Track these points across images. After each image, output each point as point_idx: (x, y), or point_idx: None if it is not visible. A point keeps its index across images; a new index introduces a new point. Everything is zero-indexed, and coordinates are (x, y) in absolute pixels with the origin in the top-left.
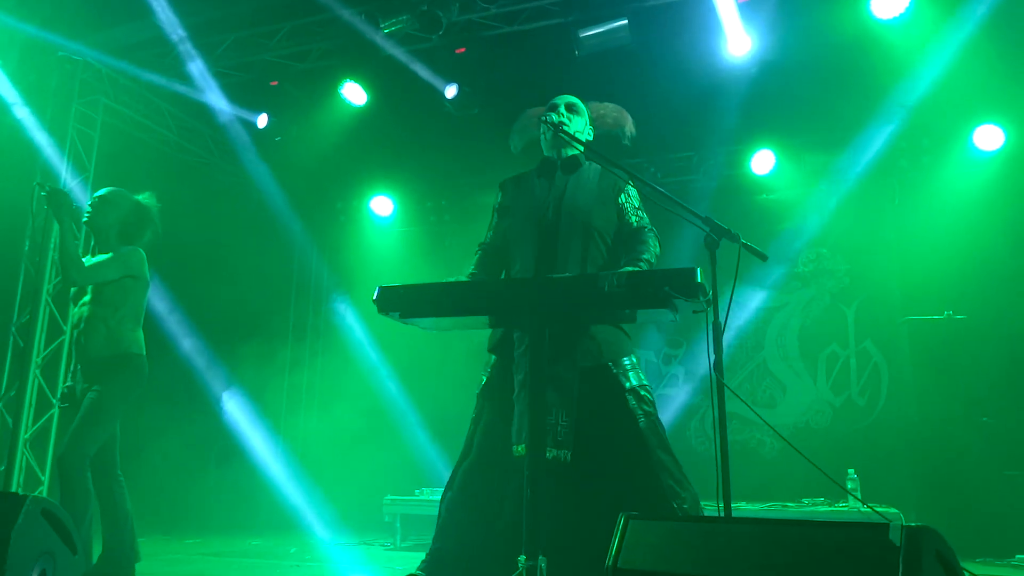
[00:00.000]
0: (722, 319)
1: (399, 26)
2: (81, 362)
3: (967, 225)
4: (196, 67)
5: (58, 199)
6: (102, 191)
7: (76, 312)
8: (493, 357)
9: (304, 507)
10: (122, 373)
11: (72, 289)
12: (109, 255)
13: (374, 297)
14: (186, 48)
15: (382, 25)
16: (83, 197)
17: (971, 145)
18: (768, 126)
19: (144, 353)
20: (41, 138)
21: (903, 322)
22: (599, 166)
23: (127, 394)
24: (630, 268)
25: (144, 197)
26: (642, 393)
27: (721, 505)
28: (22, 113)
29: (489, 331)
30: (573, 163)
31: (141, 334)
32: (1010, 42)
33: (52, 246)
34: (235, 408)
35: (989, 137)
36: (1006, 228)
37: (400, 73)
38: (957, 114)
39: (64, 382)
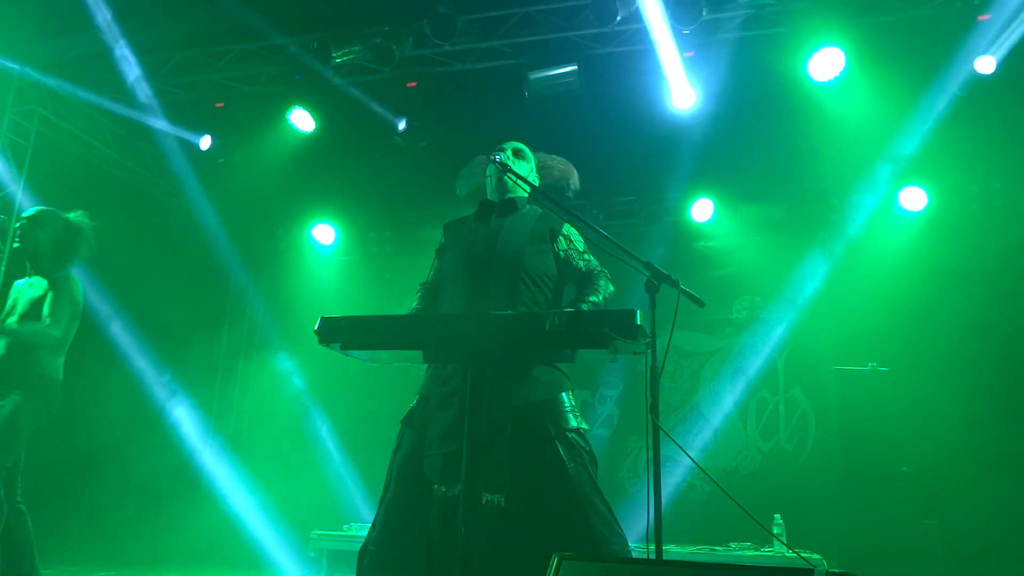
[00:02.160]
0: (660, 362)
1: (352, 56)
2: None
3: (893, 280)
4: (139, 86)
5: None
6: (31, 211)
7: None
8: (418, 396)
9: (227, 540)
10: (32, 392)
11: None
12: (50, 296)
13: (315, 327)
14: (129, 65)
15: (335, 54)
16: (12, 210)
17: (897, 205)
18: (708, 176)
19: (60, 379)
20: None
21: (830, 371)
22: (539, 210)
23: (34, 415)
24: (574, 308)
25: (76, 216)
26: (574, 437)
27: (652, 547)
28: None
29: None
30: (510, 206)
31: (62, 360)
32: (934, 110)
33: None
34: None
35: (913, 198)
36: (928, 285)
37: (350, 103)
38: (885, 174)
39: None
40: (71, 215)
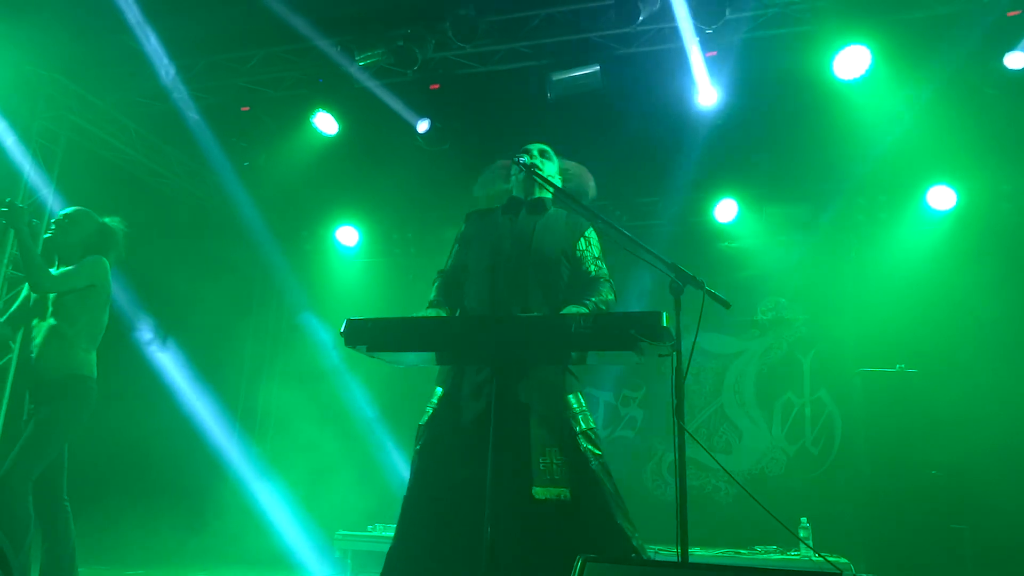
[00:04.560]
0: (684, 364)
1: (374, 59)
2: (31, 382)
3: (920, 280)
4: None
5: (15, 214)
6: (68, 210)
7: (35, 328)
8: (439, 390)
9: (253, 540)
10: (71, 395)
11: (32, 297)
12: (73, 266)
13: (341, 330)
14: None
15: (357, 57)
16: (43, 213)
17: (925, 204)
18: (732, 176)
19: (95, 376)
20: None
21: (857, 373)
22: (564, 212)
23: (75, 417)
24: (574, 308)
25: (110, 220)
26: (592, 436)
27: (678, 550)
28: (7, 138)
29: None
30: (539, 205)
31: (95, 356)
32: (962, 108)
33: (5, 261)
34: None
35: (942, 197)
36: (956, 285)
37: (373, 105)
38: (913, 173)
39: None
40: (107, 219)
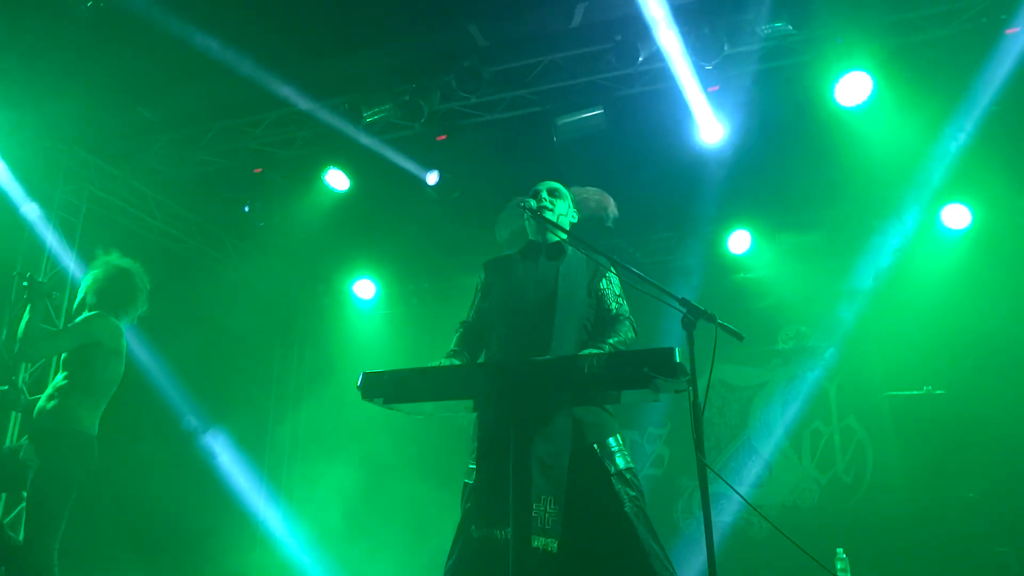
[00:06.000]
0: (701, 399)
1: (382, 115)
2: (31, 432)
3: (941, 300)
4: None
5: (35, 289)
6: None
7: (49, 383)
8: (474, 444)
9: None
10: (63, 449)
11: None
12: (61, 329)
13: (358, 383)
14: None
15: (365, 114)
16: (65, 284)
17: (940, 223)
18: (743, 207)
19: (94, 434)
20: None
21: (884, 398)
22: (580, 253)
23: (67, 470)
24: (593, 350)
25: (125, 262)
26: (628, 476)
27: None
28: (31, 210)
29: (472, 417)
30: (558, 249)
31: (96, 413)
32: (969, 126)
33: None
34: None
35: (956, 216)
36: (978, 303)
37: (383, 159)
38: (924, 194)
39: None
40: (121, 261)
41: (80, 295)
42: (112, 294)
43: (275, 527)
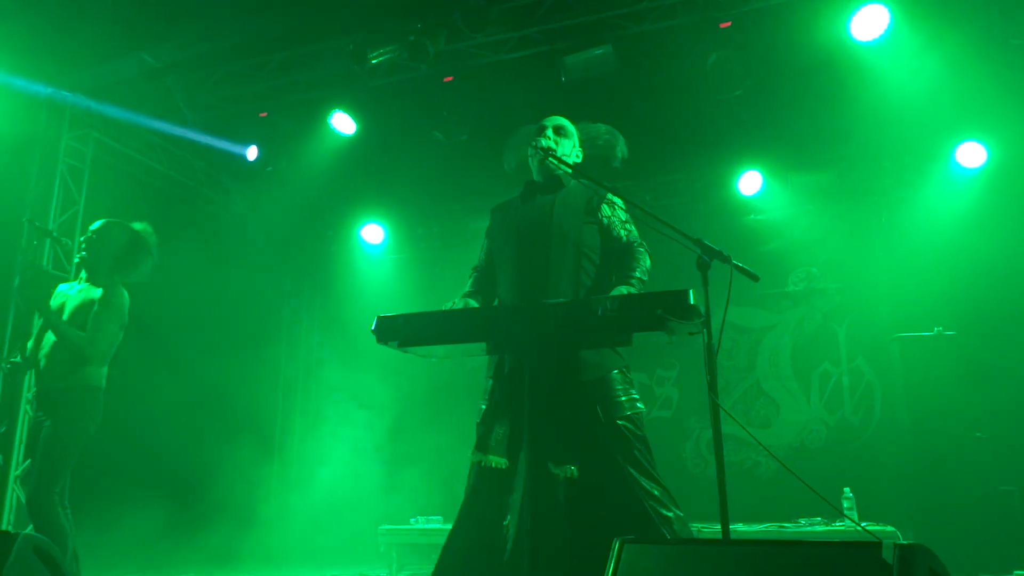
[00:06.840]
0: (715, 340)
1: (387, 56)
2: (39, 389)
3: (953, 241)
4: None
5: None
6: (96, 224)
7: (44, 338)
8: (491, 383)
9: (297, 537)
10: (75, 405)
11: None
12: (96, 308)
13: (372, 327)
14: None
15: (371, 55)
16: (74, 231)
17: (954, 162)
18: (754, 147)
19: (103, 387)
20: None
21: (893, 339)
22: (583, 184)
23: (80, 427)
24: (623, 288)
25: (141, 227)
26: (624, 424)
27: (719, 527)
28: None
29: (486, 358)
30: (555, 184)
31: (105, 370)
32: (989, 61)
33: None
34: None
35: (972, 154)
36: (990, 244)
37: (389, 102)
38: (939, 132)
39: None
40: (137, 226)
41: (90, 251)
42: (129, 263)
43: (287, 471)
